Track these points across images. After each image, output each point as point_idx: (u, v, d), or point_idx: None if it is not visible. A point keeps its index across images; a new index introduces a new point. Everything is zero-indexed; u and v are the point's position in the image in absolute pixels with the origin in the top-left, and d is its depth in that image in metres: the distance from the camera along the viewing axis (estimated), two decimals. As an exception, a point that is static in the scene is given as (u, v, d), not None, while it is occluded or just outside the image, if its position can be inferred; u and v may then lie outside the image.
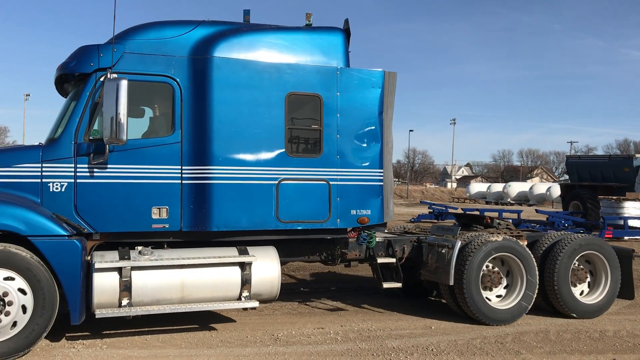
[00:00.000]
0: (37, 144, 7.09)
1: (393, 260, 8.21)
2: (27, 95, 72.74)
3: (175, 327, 7.54)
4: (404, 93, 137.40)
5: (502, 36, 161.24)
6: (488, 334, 7.52)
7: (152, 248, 6.79)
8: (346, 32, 7.86)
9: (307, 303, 9.22)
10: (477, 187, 60.61)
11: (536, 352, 6.78)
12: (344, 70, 7.67)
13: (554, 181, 68.98)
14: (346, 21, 7.99)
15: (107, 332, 7.28)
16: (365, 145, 7.76)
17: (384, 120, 7.89)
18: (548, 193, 48.20)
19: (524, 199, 51.94)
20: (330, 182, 7.53)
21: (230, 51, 7.15)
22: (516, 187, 54.58)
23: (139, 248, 6.71)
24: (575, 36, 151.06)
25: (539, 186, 52.71)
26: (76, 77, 7.00)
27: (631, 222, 19.70)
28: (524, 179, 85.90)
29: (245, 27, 7.49)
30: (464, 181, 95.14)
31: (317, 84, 7.52)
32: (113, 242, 6.87)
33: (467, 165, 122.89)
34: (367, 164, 7.77)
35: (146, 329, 7.38)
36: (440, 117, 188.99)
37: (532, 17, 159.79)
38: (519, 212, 23.82)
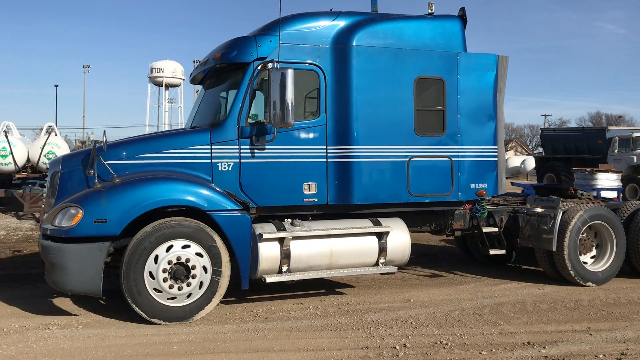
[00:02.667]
0: (192, 127, 8.09)
1: (496, 229, 8.94)
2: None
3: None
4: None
5: (479, 9, 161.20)
6: (466, 305, 7.59)
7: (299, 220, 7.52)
8: (462, 19, 8.56)
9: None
10: (453, 160, 60.91)
11: (513, 322, 6.86)
12: (463, 55, 8.38)
13: (529, 154, 69.80)
14: (462, 9, 8.64)
15: (83, 312, 7.17)
16: (482, 124, 8.52)
17: (497, 101, 8.61)
18: (523, 166, 48.72)
19: (499, 172, 52.39)
20: (452, 159, 8.28)
21: (367, 40, 7.82)
22: (491, 161, 54.95)
23: (289, 220, 7.43)
24: (552, 9, 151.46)
25: (514, 159, 53.17)
26: (233, 66, 7.64)
27: (604, 194, 19.99)
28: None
29: (377, 17, 8.18)
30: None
31: (441, 68, 8.23)
32: (264, 215, 7.59)
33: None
34: (483, 141, 8.54)
35: (122, 307, 7.30)
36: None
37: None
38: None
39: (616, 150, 24.14)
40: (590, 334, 6.41)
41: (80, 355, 5.68)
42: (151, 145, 7.32)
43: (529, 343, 6.08)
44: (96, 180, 6.82)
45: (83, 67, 69.22)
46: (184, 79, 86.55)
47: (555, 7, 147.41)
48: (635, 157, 23.24)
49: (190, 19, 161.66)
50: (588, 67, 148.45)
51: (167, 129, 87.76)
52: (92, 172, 6.84)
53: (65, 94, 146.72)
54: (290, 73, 6.94)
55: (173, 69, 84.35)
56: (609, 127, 27.71)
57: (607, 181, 22.13)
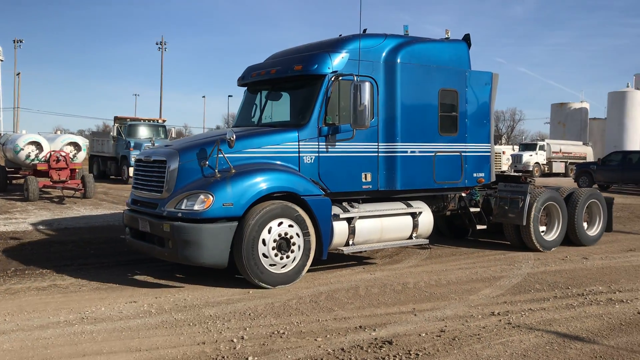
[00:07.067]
0: (263, 125, 9.66)
1: (478, 209, 11.18)
2: None
3: (-41, 314, 6.62)
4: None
5: (320, 5, 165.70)
6: (304, 294, 7.77)
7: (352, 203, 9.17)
8: (467, 43, 10.70)
9: (120, 276, 8.72)
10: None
11: (347, 307, 7.16)
12: (470, 72, 10.56)
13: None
14: (467, 35, 10.76)
15: None
16: (481, 126, 10.76)
17: (491, 109, 10.95)
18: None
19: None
20: (462, 154, 10.41)
21: (407, 58, 9.60)
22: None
23: (345, 203, 9.08)
24: (384, 9, 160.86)
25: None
26: (309, 77, 9.01)
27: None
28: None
29: (413, 40, 9.96)
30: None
31: (455, 82, 10.31)
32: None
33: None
34: (481, 139, 10.77)
35: None
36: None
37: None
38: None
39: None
40: (415, 315, 6.89)
41: None
42: (255, 141, 8.57)
43: (361, 327, 6.37)
44: (216, 170, 7.87)
45: None
46: (2, 60, 78.18)
47: (390, 7, 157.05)
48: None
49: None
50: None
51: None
52: (208, 163, 8.04)
53: None
54: (367, 84, 8.51)
55: (-11, 49, 75.72)
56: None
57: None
